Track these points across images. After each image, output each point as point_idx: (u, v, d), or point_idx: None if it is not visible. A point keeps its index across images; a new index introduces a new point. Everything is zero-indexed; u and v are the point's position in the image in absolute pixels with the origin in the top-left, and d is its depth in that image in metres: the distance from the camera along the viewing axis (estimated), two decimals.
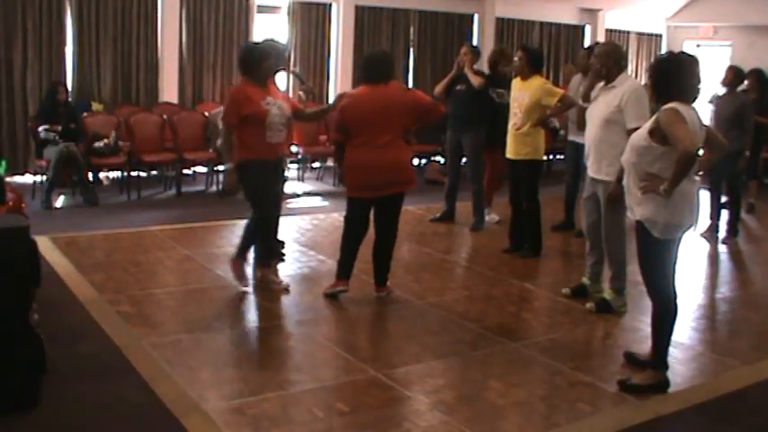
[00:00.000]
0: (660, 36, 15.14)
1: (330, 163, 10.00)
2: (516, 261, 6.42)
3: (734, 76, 7.54)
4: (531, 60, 6.32)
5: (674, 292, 3.98)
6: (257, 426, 3.49)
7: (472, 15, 12.50)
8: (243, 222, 7.08)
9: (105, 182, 9.08)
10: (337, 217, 7.51)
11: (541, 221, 6.55)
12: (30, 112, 8.82)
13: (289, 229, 6.64)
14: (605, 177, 4.95)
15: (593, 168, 5.08)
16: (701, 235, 7.42)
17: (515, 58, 6.52)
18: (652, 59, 13.42)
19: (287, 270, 5.88)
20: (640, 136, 3.87)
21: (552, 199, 7.59)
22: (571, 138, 7.30)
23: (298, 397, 3.78)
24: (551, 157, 10.44)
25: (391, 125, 5.03)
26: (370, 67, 5.15)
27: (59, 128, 8.03)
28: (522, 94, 6.30)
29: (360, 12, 11.27)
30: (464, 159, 7.56)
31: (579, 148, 6.10)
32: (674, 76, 3.82)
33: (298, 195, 8.89)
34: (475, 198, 7.47)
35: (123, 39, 9.49)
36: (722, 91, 7.56)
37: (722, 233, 7.63)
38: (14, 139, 9.00)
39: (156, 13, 9.69)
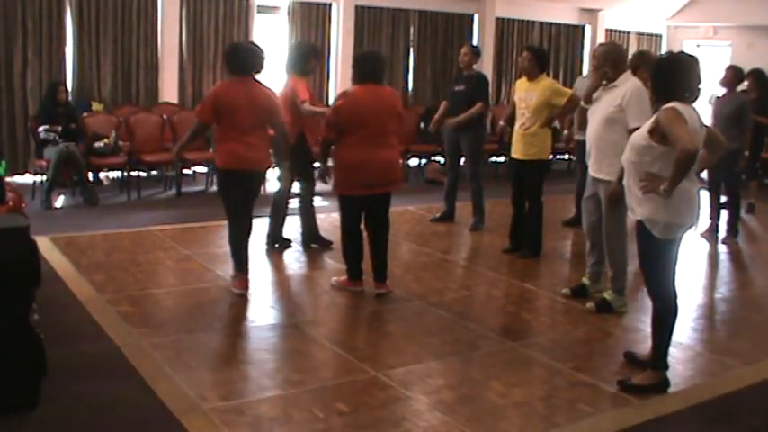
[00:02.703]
0: (660, 36, 15.13)
1: (331, 163, 9.96)
2: (516, 261, 6.42)
3: (733, 76, 7.54)
4: (538, 60, 6.32)
5: (675, 292, 3.97)
6: (257, 426, 3.49)
7: (472, 15, 12.49)
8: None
9: (105, 182, 9.09)
10: (337, 217, 7.50)
11: (543, 222, 6.55)
12: (30, 112, 8.82)
13: (289, 229, 6.64)
14: (606, 177, 4.95)
15: (594, 168, 5.08)
16: (701, 235, 7.42)
17: (521, 59, 6.52)
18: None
19: (287, 270, 5.88)
20: (640, 135, 3.87)
21: (554, 198, 7.59)
22: (578, 137, 7.31)
23: (298, 397, 3.78)
24: (554, 157, 10.41)
25: (384, 124, 5.11)
26: (365, 65, 5.17)
27: (59, 128, 8.03)
28: (529, 94, 6.28)
29: (360, 12, 11.26)
30: (463, 159, 7.56)
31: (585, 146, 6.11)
32: (674, 76, 3.82)
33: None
34: (474, 198, 7.47)
35: (123, 39, 9.49)
36: (722, 91, 7.56)
37: (722, 233, 7.62)
38: (14, 139, 8.99)
39: (156, 13, 9.68)
